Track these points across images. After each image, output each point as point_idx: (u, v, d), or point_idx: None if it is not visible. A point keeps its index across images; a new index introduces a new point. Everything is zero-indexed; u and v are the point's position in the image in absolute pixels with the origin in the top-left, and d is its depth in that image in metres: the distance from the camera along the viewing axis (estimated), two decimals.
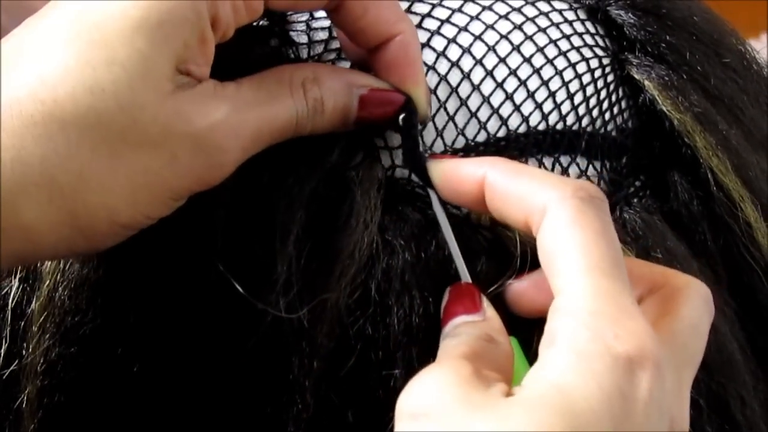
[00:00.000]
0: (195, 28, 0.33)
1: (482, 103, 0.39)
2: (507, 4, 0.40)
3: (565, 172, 0.39)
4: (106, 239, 0.34)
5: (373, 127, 0.38)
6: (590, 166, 0.40)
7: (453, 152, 0.38)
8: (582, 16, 0.42)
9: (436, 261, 0.37)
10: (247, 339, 0.35)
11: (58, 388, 0.39)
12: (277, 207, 0.36)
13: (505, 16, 0.40)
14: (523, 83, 0.39)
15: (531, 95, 0.39)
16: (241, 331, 0.36)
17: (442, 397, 0.30)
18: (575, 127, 0.39)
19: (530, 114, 0.39)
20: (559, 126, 0.39)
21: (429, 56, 0.39)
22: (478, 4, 0.40)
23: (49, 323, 0.39)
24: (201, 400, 0.36)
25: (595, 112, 0.40)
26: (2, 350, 0.40)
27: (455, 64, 0.39)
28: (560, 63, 0.40)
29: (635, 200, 0.40)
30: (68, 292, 0.38)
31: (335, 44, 0.39)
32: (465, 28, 0.39)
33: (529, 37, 0.40)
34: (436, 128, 0.38)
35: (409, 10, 0.40)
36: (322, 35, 0.40)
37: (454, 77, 0.39)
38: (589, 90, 0.40)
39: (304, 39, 0.40)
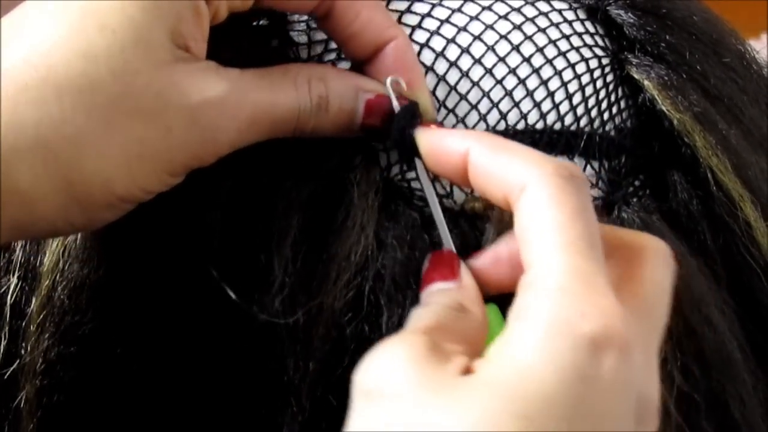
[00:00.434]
0: None
1: (482, 98, 0.39)
2: (507, 4, 0.40)
3: None
4: (102, 211, 0.34)
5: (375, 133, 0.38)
6: (588, 165, 0.40)
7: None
8: (581, 16, 0.42)
9: None
10: (243, 341, 0.35)
11: (57, 388, 0.38)
12: (274, 210, 0.36)
13: (505, 17, 0.40)
14: (522, 82, 0.39)
15: (530, 94, 0.39)
16: (236, 333, 0.36)
17: (394, 375, 0.30)
18: (573, 128, 0.39)
19: (528, 112, 0.39)
20: (557, 126, 0.39)
21: (428, 56, 0.39)
22: (477, 4, 0.40)
23: (48, 323, 0.39)
24: (198, 401, 0.36)
25: (594, 112, 0.40)
26: (1, 349, 0.40)
27: (454, 64, 0.39)
28: (559, 63, 0.40)
29: (634, 200, 0.40)
30: (67, 291, 0.38)
31: (335, 44, 0.39)
32: (464, 29, 0.39)
33: (529, 38, 0.40)
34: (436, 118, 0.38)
35: (409, 10, 0.40)
36: (322, 35, 0.40)
37: (453, 77, 0.39)
38: (588, 90, 0.40)
39: (304, 39, 0.40)
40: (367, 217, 0.36)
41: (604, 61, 0.41)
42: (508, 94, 0.39)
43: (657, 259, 0.34)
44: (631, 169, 0.40)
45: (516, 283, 0.32)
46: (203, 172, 0.35)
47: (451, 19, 0.40)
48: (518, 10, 0.40)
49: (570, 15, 0.41)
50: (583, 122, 0.40)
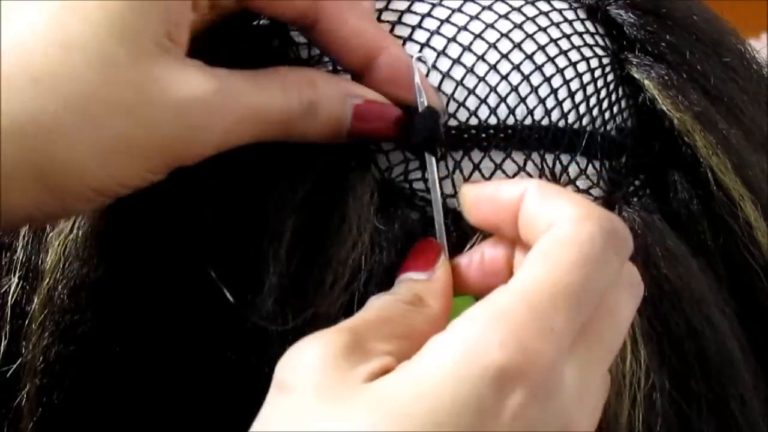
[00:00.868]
0: None
1: (490, 92, 0.39)
2: (507, 3, 0.40)
3: (565, 170, 0.39)
4: (77, 202, 0.33)
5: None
6: (590, 165, 0.40)
7: (466, 129, 0.38)
8: (582, 15, 0.42)
9: None
10: (237, 342, 0.35)
11: (57, 387, 0.38)
12: (268, 212, 0.36)
13: (505, 16, 0.40)
14: (526, 78, 0.39)
15: (534, 90, 0.39)
16: (230, 334, 0.35)
17: (302, 372, 0.30)
18: (576, 126, 0.39)
19: (534, 108, 0.39)
20: (561, 123, 0.39)
21: (430, 55, 0.39)
22: (477, 3, 0.40)
23: (48, 321, 0.39)
24: (193, 400, 0.36)
25: (595, 112, 0.40)
26: (1, 348, 0.40)
27: (457, 61, 0.39)
28: (561, 62, 0.40)
29: (635, 200, 0.40)
30: (67, 290, 0.38)
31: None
32: (465, 27, 0.39)
33: (530, 36, 0.40)
34: (448, 110, 0.38)
35: (409, 10, 0.40)
36: None
37: (458, 73, 0.39)
38: (590, 89, 0.40)
39: (304, 39, 0.40)
40: (363, 221, 0.36)
41: (605, 60, 0.41)
42: (514, 89, 0.39)
43: (620, 289, 0.33)
44: (632, 169, 0.40)
45: (487, 290, 0.32)
46: (197, 169, 0.35)
47: (452, 19, 0.40)
48: (518, 9, 0.40)
49: (570, 14, 0.41)
50: (585, 121, 0.40)
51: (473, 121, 0.38)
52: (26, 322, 0.39)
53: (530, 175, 0.38)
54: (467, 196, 0.37)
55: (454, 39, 0.39)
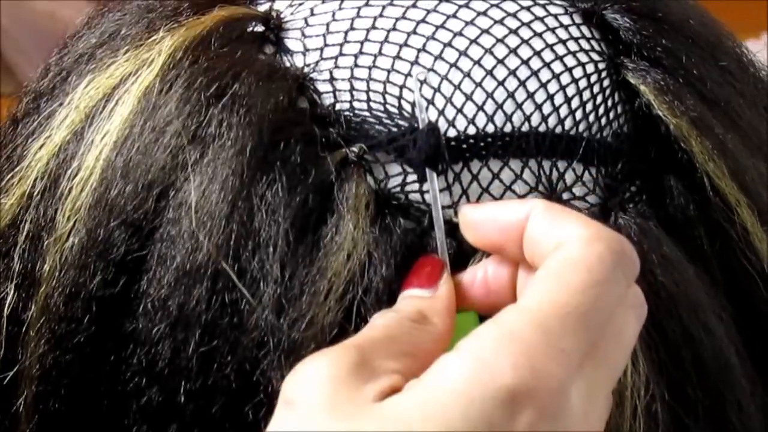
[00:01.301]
0: None
1: (487, 98, 0.39)
2: (502, 9, 0.40)
3: (561, 177, 0.39)
4: None
5: (363, 140, 0.38)
6: (586, 171, 0.39)
7: (465, 139, 0.38)
8: (577, 20, 0.41)
9: None
10: (233, 351, 0.35)
11: (54, 395, 0.39)
12: (261, 221, 0.36)
13: (501, 21, 0.40)
14: (522, 83, 0.39)
15: (531, 96, 0.39)
16: (227, 343, 0.36)
17: (309, 390, 0.30)
18: (573, 132, 0.39)
19: (531, 114, 0.39)
20: (558, 129, 0.39)
21: (426, 60, 0.39)
22: (472, 9, 0.40)
23: (45, 329, 0.39)
24: (192, 413, 0.36)
25: (591, 117, 0.40)
26: None
27: (454, 65, 0.39)
28: (557, 67, 0.40)
29: (630, 206, 0.40)
30: (63, 298, 0.38)
31: (331, 52, 0.39)
32: (460, 33, 0.39)
33: (525, 41, 0.40)
34: (447, 119, 0.38)
35: (403, 17, 0.40)
36: (317, 42, 0.40)
37: (456, 76, 0.39)
38: (586, 95, 0.40)
39: (299, 47, 0.40)
40: (358, 232, 0.36)
41: (601, 65, 0.41)
42: (511, 95, 0.39)
43: (626, 310, 0.33)
44: (628, 175, 0.40)
45: (490, 308, 0.32)
46: None
47: (447, 24, 0.40)
48: (514, 14, 0.40)
49: (566, 19, 0.41)
50: (581, 127, 0.40)
51: (471, 130, 0.38)
52: (25, 329, 0.39)
53: (527, 183, 0.38)
54: (468, 217, 0.36)
55: (450, 44, 0.39)
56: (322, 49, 0.39)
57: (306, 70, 0.39)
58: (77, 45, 0.43)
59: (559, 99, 0.39)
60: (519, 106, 0.39)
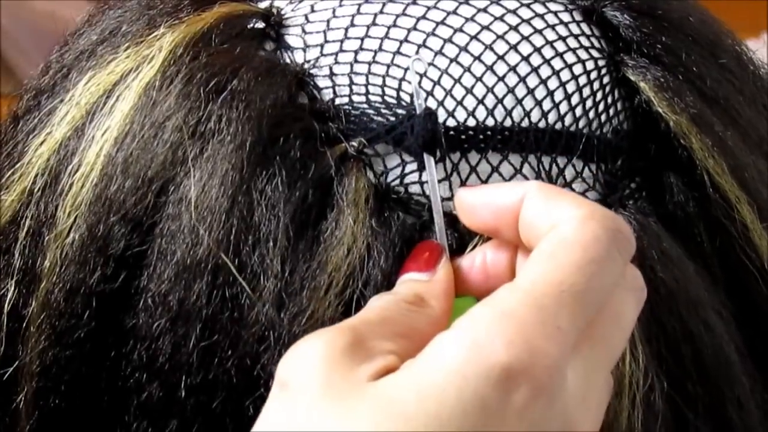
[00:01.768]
0: None
1: (487, 92, 0.39)
2: (502, 6, 0.40)
3: (561, 173, 0.39)
4: None
5: (363, 134, 0.38)
6: (586, 168, 0.40)
7: (464, 129, 0.38)
8: (577, 17, 0.42)
9: None
10: (234, 345, 0.35)
11: (54, 391, 0.39)
12: (261, 216, 0.36)
13: (501, 18, 0.40)
14: (522, 80, 0.39)
15: (531, 92, 0.39)
16: (228, 338, 0.36)
17: (304, 371, 0.30)
18: (572, 128, 0.39)
19: (531, 110, 0.39)
20: (558, 126, 0.39)
21: (426, 55, 0.39)
22: (472, 6, 0.40)
23: (45, 325, 0.39)
24: (191, 406, 0.36)
25: (591, 114, 0.40)
26: (0, 351, 0.40)
27: (454, 60, 0.39)
28: (557, 64, 0.40)
29: (630, 202, 0.40)
30: (64, 294, 0.38)
31: (331, 48, 0.39)
32: (461, 29, 0.39)
33: (526, 38, 0.40)
34: (446, 110, 0.38)
35: (403, 13, 0.40)
36: (318, 39, 0.40)
37: (456, 71, 0.39)
38: (586, 91, 0.40)
39: (299, 43, 0.40)
40: (358, 225, 0.36)
41: (601, 62, 0.41)
42: (511, 90, 0.39)
43: (624, 291, 0.33)
44: (628, 172, 0.40)
45: (488, 293, 0.32)
46: None
47: (447, 21, 0.40)
48: (514, 11, 0.40)
49: (566, 16, 0.41)
50: (581, 123, 0.40)
51: (471, 122, 0.38)
52: (26, 324, 0.40)
53: (527, 178, 0.38)
54: (464, 201, 0.36)
55: (450, 40, 0.39)
56: (322, 46, 0.39)
57: (306, 66, 0.39)
58: (78, 42, 0.43)
59: (559, 95, 0.39)
60: (519, 101, 0.39)
